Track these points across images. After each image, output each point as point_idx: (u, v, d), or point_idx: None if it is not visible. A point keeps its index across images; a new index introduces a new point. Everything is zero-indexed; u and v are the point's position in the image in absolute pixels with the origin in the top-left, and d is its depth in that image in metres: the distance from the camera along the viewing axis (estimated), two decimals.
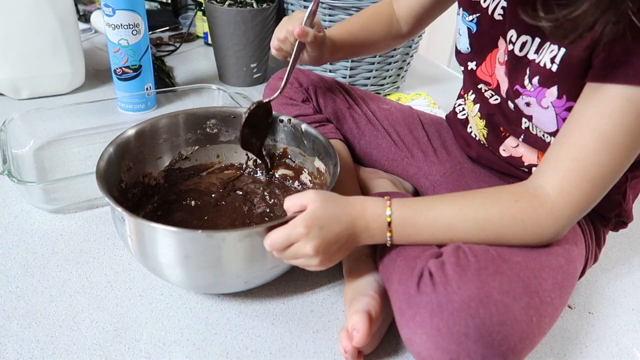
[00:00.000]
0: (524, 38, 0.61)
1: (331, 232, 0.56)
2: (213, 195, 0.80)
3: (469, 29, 0.70)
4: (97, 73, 1.30)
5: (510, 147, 0.71)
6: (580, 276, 0.67)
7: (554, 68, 0.56)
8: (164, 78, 1.27)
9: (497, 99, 0.70)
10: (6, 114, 0.93)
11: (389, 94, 1.30)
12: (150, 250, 0.60)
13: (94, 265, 0.72)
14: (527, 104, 0.62)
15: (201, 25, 1.57)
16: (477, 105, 0.75)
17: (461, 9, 0.71)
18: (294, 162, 0.80)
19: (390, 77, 1.27)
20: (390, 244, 0.58)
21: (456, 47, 0.75)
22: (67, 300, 0.67)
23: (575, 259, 0.60)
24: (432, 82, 1.43)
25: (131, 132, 0.73)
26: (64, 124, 1.02)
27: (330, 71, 1.22)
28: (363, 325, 0.57)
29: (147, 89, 1.13)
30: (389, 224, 0.57)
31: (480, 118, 0.75)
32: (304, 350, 0.62)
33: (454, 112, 0.86)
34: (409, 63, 1.30)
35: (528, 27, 0.60)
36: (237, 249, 0.58)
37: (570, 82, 0.56)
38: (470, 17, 0.69)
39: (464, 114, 0.82)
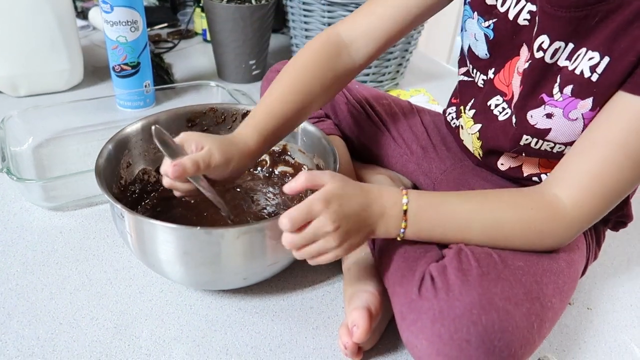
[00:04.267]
0: (557, 44, 0.55)
1: (350, 209, 0.52)
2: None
3: (486, 35, 0.65)
4: (95, 70, 1.30)
5: (510, 157, 0.69)
6: (581, 275, 0.66)
7: (594, 78, 0.52)
8: (162, 75, 1.27)
9: (507, 114, 0.65)
10: (5, 112, 0.93)
11: (388, 91, 1.30)
12: (149, 247, 0.60)
13: (93, 263, 0.72)
14: (549, 115, 0.58)
15: (200, 22, 1.57)
16: (478, 126, 0.70)
17: (475, 13, 0.65)
18: (293, 158, 0.80)
19: (389, 73, 1.27)
20: (401, 238, 0.55)
21: (471, 52, 0.69)
22: (67, 298, 0.67)
23: (577, 262, 0.60)
24: (432, 78, 1.43)
25: (130, 128, 0.73)
26: (62, 121, 1.01)
27: None
28: (363, 321, 0.57)
29: (145, 86, 1.13)
30: (405, 212, 0.54)
31: (478, 139, 0.71)
32: (304, 347, 0.62)
33: (445, 118, 0.82)
34: (408, 59, 1.30)
35: (563, 32, 0.55)
36: (235, 246, 0.58)
37: (609, 95, 0.52)
38: (487, 23, 0.64)
39: (455, 124, 0.79)
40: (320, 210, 0.51)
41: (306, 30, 1.24)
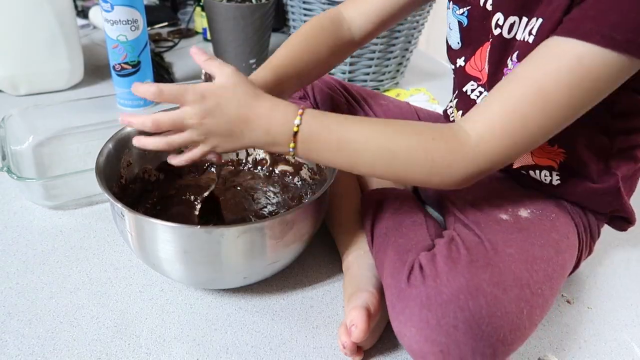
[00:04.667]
0: (512, 19, 0.58)
1: (225, 114, 0.52)
2: (210, 190, 0.81)
3: (459, 22, 0.68)
4: (95, 69, 1.30)
5: None
6: (575, 269, 0.67)
7: (531, 40, 0.54)
8: (163, 74, 1.27)
9: (484, 96, 0.68)
10: (5, 111, 0.93)
11: (388, 90, 1.30)
12: (149, 246, 0.60)
13: (94, 262, 0.72)
14: None
15: (200, 21, 1.57)
16: (460, 112, 0.73)
17: (451, 2, 0.69)
18: (293, 157, 0.80)
19: (389, 72, 1.26)
20: (293, 156, 0.56)
21: (447, 44, 0.73)
22: (67, 297, 0.67)
23: (565, 251, 0.60)
24: (432, 77, 1.43)
25: (130, 127, 0.73)
26: (62, 120, 1.01)
27: None
28: (361, 321, 0.57)
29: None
30: (295, 134, 0.53)
31: None
32: (304, 346, 0.62)
33: (445, 113, 0.84)
34: (408, 58, 1.30)
35: (515, 7, 0.57)
36: (235, 245, 0.58)
37: None
38: (461, 10, 0.67)
39: (453, 118, 0.80)
40: (191, 100, 0.51)
41: None
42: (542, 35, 0.53)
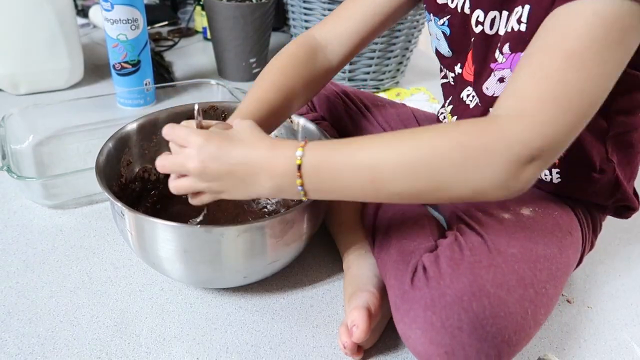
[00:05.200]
0: (492, 14, 0.58)
1: (229, 159, 0.49)
2: None
3: (444, 33, 0.68)
4: (95, 68, 1.30)
5: None
6: (578, 265, 0.67)
7: (523, 28, 0.53)
8: (163, 73, 1.27)
9: (476, 100, 0.67)
10: (5, 110, 0.93)
11: (388, 89, 1.30)
12: (149, 245, 0.60)
13: (94, 261, 0.72)
14: (501, 80, 0.58)
15: (200, 20, 1.57)
16: (454, 118, 0.72)
17: (431, 14, 0.68)
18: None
19: (389, 72, 1.26)
20: (305, 196, 0.49)
21: (438, 52, 0.71)
22: (67, 296, 0.67)
23: (568, 248, 0.60)
24: (432, 76, 1.43)
25: (131, 126, 0.73)
26: (62, 119, 1.01)
27: None
28: (362, 321, 0.57)
29: (146, 84, 1.13)
30: (299, 167, 0.47)
31: None
32: (304, 345, 0.62)
33: (438, 120, 0.83)
34: (408, 58, 1.30)
35: (495, 2, 0.57)
36: (235, 244, 0.58)
37: None
38: (442, 21, 0.67)
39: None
40: (194, 145, 0.49)
41: (307, 28, 1.23)
42: (535, 19, 0.51)
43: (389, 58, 1.23)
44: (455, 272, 0.50)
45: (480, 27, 0.60)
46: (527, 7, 0.53)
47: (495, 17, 0.58)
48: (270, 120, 0.62)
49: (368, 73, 1.23)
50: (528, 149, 0.43)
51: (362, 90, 0.99)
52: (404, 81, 1.37)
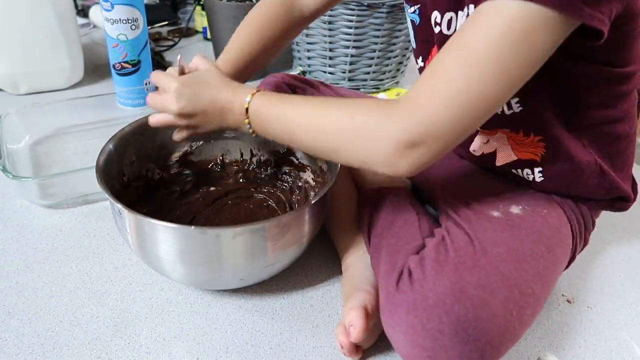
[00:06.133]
0: (448, 15, 0.59)
1: (202, 102, 0.60)
2: (215, 189, 0.81)
3: (412, 21, 0.68)
4: (95, 68, 1.30)
5: (482, 144, 0.67)
6: (571, 262, 0.66)
7: (450, 32, 0.56)
8: None
9: None
10: (4, 110, 0.93)
11: (388, 89, 1.30)
12: (147, 245, 0.60)
13: (93, 261, 0.72)
14: None
15: (200, 20, 1.57)
16: None
17: (404, 1, 0.69)
18: (297, 159, 0.80)
19: (389, 71, 1.26)
20: (254, 134, 0.59)
21: (411, 41, 0.73)
22: (67, 296, 0.67)
23: (556, 246, 0.59)
24: None
25: (134, 126, 0.73)
26: (61, 119, 1.01)
27: (329, 66, 1.22)
28: (359, 321, 0.57)
29: (146, 84, 1.13)
30: (246, 110, 0.58)
31: None
32: (304, 345, 0.62)
33: None
34: (408, 58, 1.30)
35: (448, 4, 0.58)
36: (231, 246, 0.58)
37: None
38: (412, 9, 0.67)
39: None
40: (172, 91, 0.60)
41: (306, 28, 1.23)
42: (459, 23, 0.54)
43: (389, 58, 1.23)
44: (438, 275, 0.50)
45: (438, 28, 0.61)
46: (471, 6, 0.54)
47: (451, 17, 0.59)
48: (249, 68, 0.73)
49: (368, 73, 1.23)
50: (407, 134, 0.47)
51: (357, 90, 0.98)
52: (404, 81, 1.37)
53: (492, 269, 0.52)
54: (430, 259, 0.53)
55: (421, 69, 0.70)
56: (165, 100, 0.61)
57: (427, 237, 0.60)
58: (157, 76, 0.63)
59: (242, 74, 0.72)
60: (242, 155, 0.84)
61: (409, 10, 0.68)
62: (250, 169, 0.84)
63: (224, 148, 0.83)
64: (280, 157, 0.82)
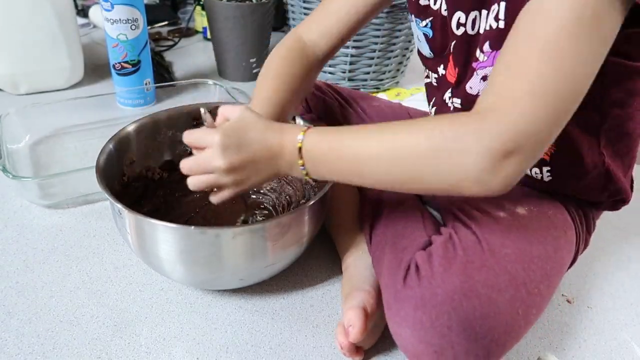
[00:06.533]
0: (473, 15, 0.58)
1: (249, 150, 0.52)
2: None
3: (425, 34, 0.68)
4: (96, 68, 1.30)
5: None
6: (572, 264, 0.66)
7: (502, 25, 0.53)
8: (163, 73, 1.27)
9: (456, 102, 0.67)
10: (4, 109, 0.93)
11: (388, 89, 1.30)
12: (147, 245, 0.60)
13: (93, 261, 0.72)
14: (484, 78, 0.58)
15: (200, 20, 1.57)
16: None
17: (413, 15, 0.69)
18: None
19: (389, 72, 1.26)
20: (307, 176, 0.53)
21: (420, 53, 0.72)
22: (67, 296, 0.67)
23: (563, 247, 0.60)
24: None
25: (134, 125, 0.73)
26: (61, 119, 1.01)
27: (329, 66, 1.22)
28: (358, 321, 0.57)
29: (146, 84, 1.13)
30: (299, 149, 0.52)
31: None
32: (304, 345, 0.62)
33: None
34: (408, 58, 1.30)
35: (473, 3, 0.58)
36: (230, 246, 0.58)
37: None
38: (424, 23, 0.67)
39: None
40: (213, 142, 0.52)
41: None
42: (512, 14, 0.50)
43: (389, 58, 1.23)
44: (447, 272, 0.51)
45: (462, 29, 0.60)
46: (502, 3, 0.53)
47: (475, 17, 0.59)
48: (279, 118, 0.65)
49: (368, 73, 1.23)
50: (501, 144, 0.43)
51: (357, 90, 0.99)
52: (404, 81, 1.37)
53: (500, 269, 0.52)
54: (438, 256, 0.53)
55: (442, 77, 0.69)
56: (208, 157, 0.53)
57: (433, 234, 0.60)
58: (192, 134, 0.55)
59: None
60: None
61: (421, 25, 0.68)
62: None
63: None
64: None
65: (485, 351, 0.49)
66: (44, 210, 0.81)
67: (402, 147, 0.47)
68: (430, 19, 0.66)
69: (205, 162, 0.53)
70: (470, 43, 0.60)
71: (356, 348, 0.59)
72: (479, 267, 0.51)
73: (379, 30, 1.14)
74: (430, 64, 0.71)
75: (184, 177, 0.80)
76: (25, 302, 0.65)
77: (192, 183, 0.55)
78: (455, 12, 0.60)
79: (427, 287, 0.50)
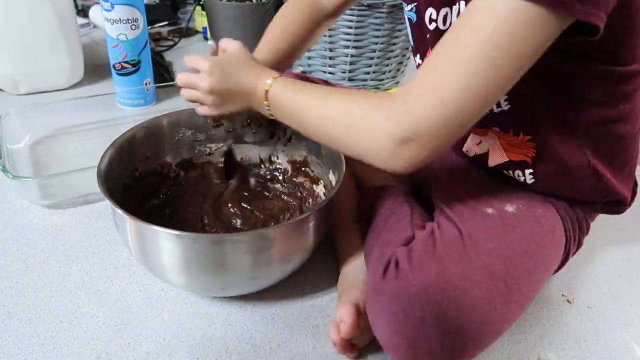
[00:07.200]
0: (444, 11, 0.59)
1: (231, 82, 0.62)
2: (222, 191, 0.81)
3: (409, 19, 0.69)
4: (96, 68, 1.30)
5: (474, 145, 0.67)
6: (564, 264, 0.66)
7: (445, 27, 0.56)
8: (163, 73, 1.27)
9: None
10: (4, 109, 0.93)
11: (388, 89, 1.30)
12: (147, 248, 0.60)
13: (93, 261, 0.72)
14: None
15: (200, 20, 1.57)
16: None
17: None
18: (312, 171, 0.80)
19: (390, 71, 1.26)
20: (270, 116, 0.61)
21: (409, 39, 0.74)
22: (67, 296, 0.67)
23: (548, 246, 0.59)
24: None
25: (140, 126, 0.74)
26: (61, 119, 1.01)
27: (329, 66, 1.22)
28: (349, 317, 0.57)
29: (146, 84, 1.13)
30: (266, 92, 0.60)
31: None
32: (304, 345, 0.62)
33: None
34: (408, 58, 1.30)
35: (444, 0, 0.58)
36: (207, 254, 0.57)
37: None
38: (409, 7, 0.67)
39: None
40: (204, 68, 0.62)
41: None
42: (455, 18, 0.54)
43: (389, 58, 1.23)
44: (424, 265, 0.51)
45: (434, 24, 0.61)
46: (462, 2, 0.55)
47: (447, 13, 0.59)
48: (280, 64, 0.75)
49: (368, 73, 1.23)
50: (399, 131, 0.48)
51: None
52: (405, 81, 1.37)
53: (479, 263, 0.52)
54: (418, 250, 0.53)
55: (419, 66, 0.70)
56: (198, 77, 0.64)
57: (418, 229, 0.60)
58: (190, 57, 0.66)
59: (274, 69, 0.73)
60: (261, 160, 0.84)
61: (407, 9, 0.69)
62: (267, 175, 0.84)
63: (243, 152, 0.83)
64: (297, 166, 0.82)
65: (461, 344, 0.49)
66: (44, 210, 0.81)
67: (327, 112, 0.54)
68: (415, 4, 0.67)
69: (194, 81, 0.64)
70: (440, 38, 0.60)
71: (350, 345, 0.59)
72: (457, 260, 0.52)
73: (379, 30, 1.14)
74: (414, 52, 0.72)
75: (197, 177, 0.81)
76: (25, 302, 0.65)
77: (183, 93, 0.67)
78: (427, 7, 0.61)
79: (404, 279, 0.51)
